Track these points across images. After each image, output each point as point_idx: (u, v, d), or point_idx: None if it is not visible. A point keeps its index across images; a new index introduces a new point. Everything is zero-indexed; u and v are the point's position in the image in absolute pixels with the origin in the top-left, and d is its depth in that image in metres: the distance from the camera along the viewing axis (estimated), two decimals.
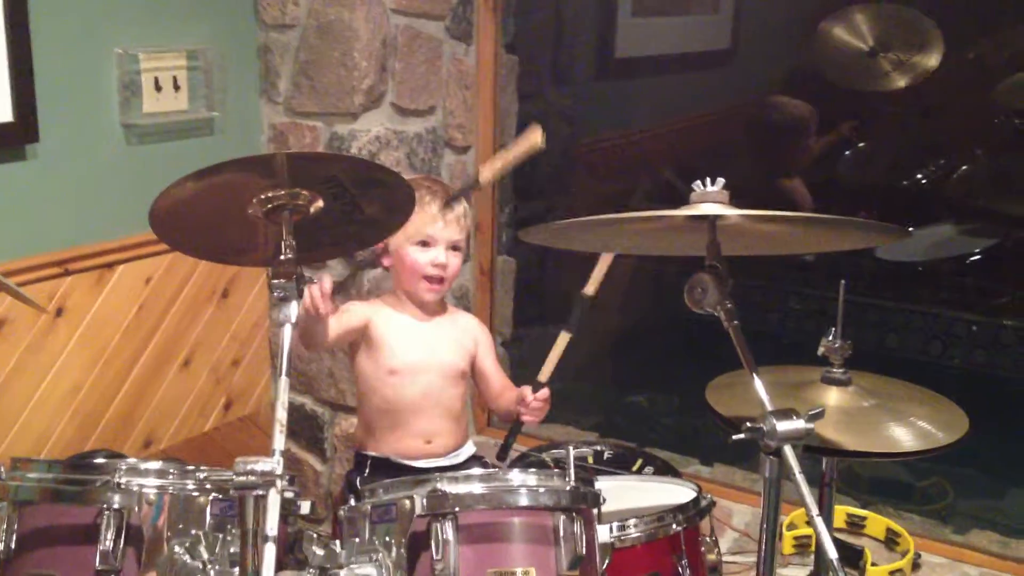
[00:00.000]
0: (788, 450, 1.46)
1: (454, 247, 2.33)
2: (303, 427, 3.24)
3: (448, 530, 1.53)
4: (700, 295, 1.57)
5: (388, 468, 2.35)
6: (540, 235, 1.64)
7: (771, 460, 1.50)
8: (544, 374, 2.37)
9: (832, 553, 1.38)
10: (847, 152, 3.80)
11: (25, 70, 2.45)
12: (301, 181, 1.46)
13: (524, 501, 1.58)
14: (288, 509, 1.70)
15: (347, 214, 1.53)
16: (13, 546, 1.58)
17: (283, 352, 1.43)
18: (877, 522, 3.00)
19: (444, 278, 2.33)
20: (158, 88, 2.78)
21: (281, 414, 1.38)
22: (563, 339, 2.38)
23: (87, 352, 2.72)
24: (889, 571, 2.76)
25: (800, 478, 1.43)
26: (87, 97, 2.65)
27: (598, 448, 2.96)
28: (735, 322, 1.54)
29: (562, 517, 1.58)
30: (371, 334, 2.33)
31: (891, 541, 2.95)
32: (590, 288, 2.32)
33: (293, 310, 1.46)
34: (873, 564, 2.79)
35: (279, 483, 1.33)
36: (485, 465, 2.46)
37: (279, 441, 1.36)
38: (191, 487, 1.58)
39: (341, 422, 3.18)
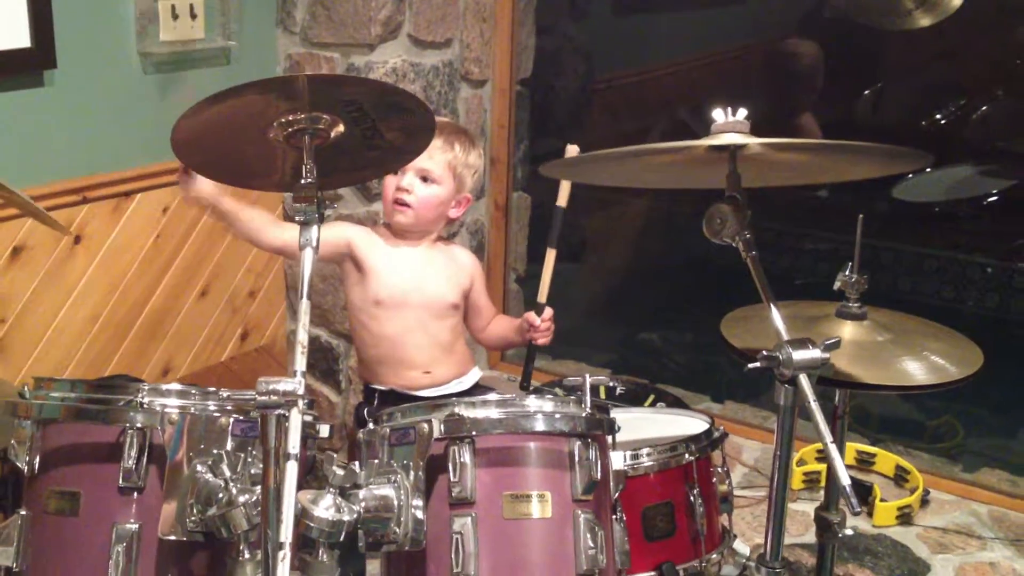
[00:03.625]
0: (803, 379, 1.47)
1: (424, 177, 2.29)
2: (318, 359, 3.27)
3: (466, 453, 1.55)
4: (719, 226, 1.58)
5: (395, 400, 2.36)
6: (560, 170, 1.64)
7: (786, 389, 1.51)
8: (542, 294, 2.40)
9: (845, 479, 1.40)
10: (865, 91, 3.76)
11: None
12: (321, 105, 1.46)
13: (540, 426, 1.60)
14: (308, 432, 1.73)
15: (367, 139, 1.53)
16: (37, 463, 1.61)
17: (304, 276, 1.44)
18: (886, 459, 3.03)
19: (409, 203, 2.30)
20: (175, 16, 2.77)
21: (302, 335, 1.39)
22: (550, 255, 2.41)
23: (105, 280, 2.74)
24: (898, 507, 2.79)
25: (815, 406, 1.44)
26: (104, 24, 2.64)
27: (610, 384, 2.98)
28: (753, 252, 1.55)
29: (577, 443, 1.60)
30: (357, 257, 2.32)
31: (900, 478, 2.98)
32: (562, 199, 2.35)
33: (314, 234, 1.46)
34: (882, 500, 2.81)
35: (300, 403, 1.34)
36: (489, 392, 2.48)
37: (300, 362, 1.37)
38: (213, 408, 1.60)
39: (355, 354, 3.20)
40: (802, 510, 2.84)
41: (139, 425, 1.56)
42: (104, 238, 2.72)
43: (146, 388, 1.60)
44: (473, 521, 1.55)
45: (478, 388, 2.48)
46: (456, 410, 1.57)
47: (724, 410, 3.36)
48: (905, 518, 2.79)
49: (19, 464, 1.61)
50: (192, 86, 2.86)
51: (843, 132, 3.59)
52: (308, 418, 1.73)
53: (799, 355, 1.48)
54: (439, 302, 2.37)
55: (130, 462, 1.55)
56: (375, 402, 2.41)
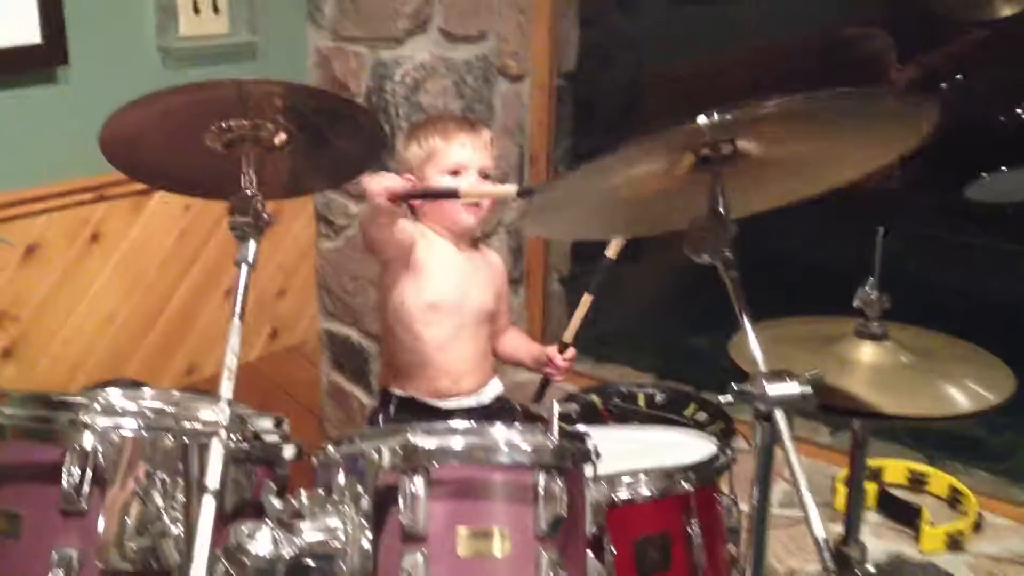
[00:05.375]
0: (779, 415, 1.33)
1: (485, 174, 2.24)
2: (349, 359, 3.20)
3: (418, 484, 1.44)
4: (699, 243, 1.44)
5: (413, 408, 2.29)
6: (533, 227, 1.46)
7: (763, 425, 1.37)
8: (569, 335, 2.33)
9: (819, 532, 1.25)
10: (942, 84, 3.53)
11: None
12: (261, 112, 1.36)
13: (501, 458, 1.48)
14: (271, 455, 1.65)
15: (316, 147, 1.43)
16: None
17: (238, 293, 1.35)
18: (940, 479, 2.84)
19: (480, 205, 2.24)
20: (196, 10, 2.71)
21: (231, 360, 1.30)
22: (586, 300, 2.32)
23: (123, 279, 2.71)
24: (947, 532, 2.60)
25: (790, 445, 1.30)
26: (120, 19, 2.60)
27: (649, 391, 2.86)
28: (733, 273, 1.41)
29: (542, 475, 1.48)
30: (415, 258, 2.22)
31: (954, 500, 2.79)
32: (611, 251, 2.26)
33: (251, 250, 1.37)
34: (931, 524, 2.63)
35: (222, 433, 1.26)
36: (509, 406, 2.38)
37: (227, 389, 1.29)
38: (159, 429, 1.52)
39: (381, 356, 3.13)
40: (840, 531, 2.67)
41: (81, 446, 1.49)
42: (122, 237, 2.69)
43: (96, 406, 1.53)
44: (424, 558, 1.44)
45: (499, 400, 2.39)
46: (410, 438, 1.46)
47: None
48: (955, 544, 2.61)
49: None
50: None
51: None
52: (273, 438, 1.65)
53: (775, 389, 1.34)
54: (482, 309, 2.31)
55: (71, 484, 1.48)
56: (391, 409, 2.33)
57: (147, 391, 1.93)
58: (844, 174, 1.55)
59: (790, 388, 1.34)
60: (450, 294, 2.26)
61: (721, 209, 1.43)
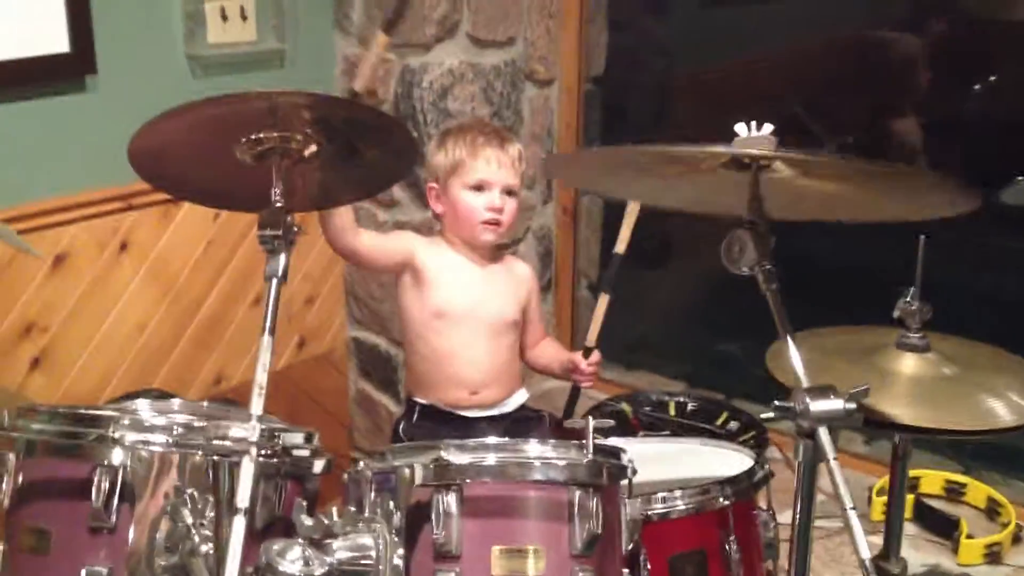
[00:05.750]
0: (823, 433, 1.29)
1: (509, 191, 2.22)
2: (377, 368, 3.18)
3: (451, 502, 1.42)
4: (737, 254, 1.41)
5: (435, 416, 2.28)
6: (562, 168, 1.48)
7: (805, 443, 1.33)
8: (591, 338, 2.31)
9: (864, 552, 1.22)
10: (976, 87, 3.47)
11: None
12: (290, 124, 1.34)
13: (535, 474, 1.45)
14: (301, 470, 1.63)
15: (345, 159, 1.41)
16: (15, 497, 1.54)
17: (269, 307, 1.33)
18: (978, 490, 2.78)
19: (501, 221, 2.22)
20: (224, 18, 2.69)
21: (261, 376, 1.28)
22: (603, 300, 2.32)
23: (153, 289, 2.70)
24: (986, 544, 2.55)
25: (835, 465, 1.27)
26: (148, 27, 2.58)
27: (681, 400, 2.82)
28: (774, 286, 1.37)
29: (578, 492, 1.45)
30: (418, 268, 2.24)
31: (992, 511, 2.73)
32: (620, 246, 2.26)
33: (281, 263, 1.35)
34: (969, 536, 2.58)
35: (253, 451, 1.23)
36: (539, 415, 2.35)
37: (257, 406, 1.26)
38: (189, 446, 1.50)
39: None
40: (879, 543, 2.63)
41: (110, 462, 1.47)
42: (151, 246, 2.68)
43: (125, 421, 1.51)
44: None
45: (523, 410, 2.36)
46: (443, 454, 1.44)
47: None
48: (994, 557, 2.55)
49: None
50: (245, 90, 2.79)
51: (944, 132, 3.35)
52: (304, 452, 1.63)
53: (818, 406, 1.30)
54: (500, 319, 2.28)
55: (99, 501, 1.46)
56: (414, 417, 2.31)
57: (176, 403, 1.93)
58: (874, 216, 1.52)
59: (834, 404, 1.30)
60: (457, 303, 2.24)
61: (759, 220, 1.39)
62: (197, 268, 2.79)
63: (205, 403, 1.95)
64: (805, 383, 1.32)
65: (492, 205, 2.19)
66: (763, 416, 1.35)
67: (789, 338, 1.33)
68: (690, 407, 2.79)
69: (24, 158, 2.41)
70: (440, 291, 2.24)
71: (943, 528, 2.65)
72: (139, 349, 2.70)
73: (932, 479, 2.81)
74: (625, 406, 2.80)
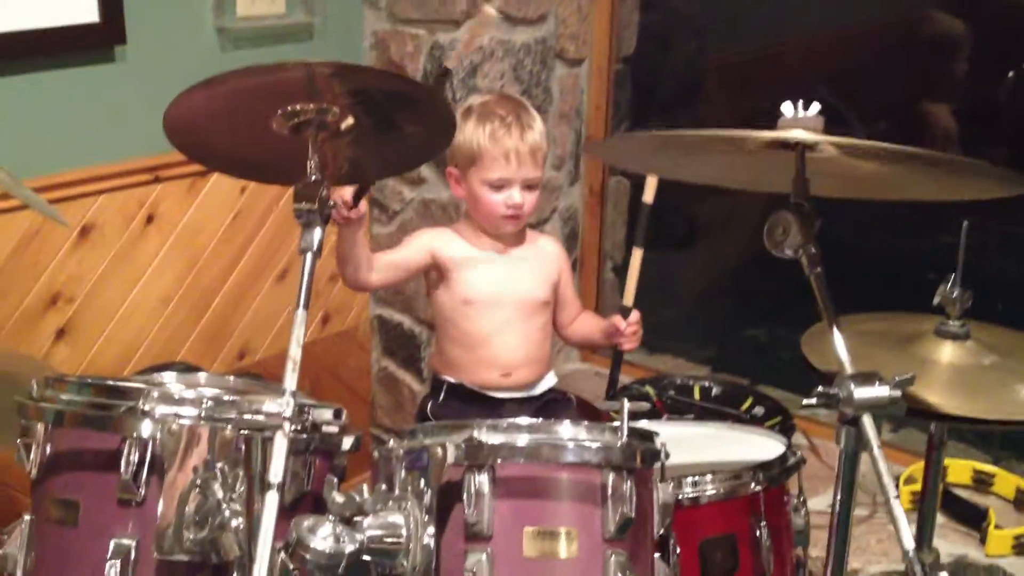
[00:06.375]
0: (867, 420, 1.26)
1: (529, 185, 2.16)
2: (400, 346, 3.16)
3: (483, 482, 1.40)
4: (781, 236, 1.38)
5: (463, 395, 2.26)
6: (604, 151, 1.45)
7: (847, 430, 1.31)
8: (628, 297, 2.28)
9: (908, 543, 1.19)
10: (1010, 73, 3.41)
11: None
12: (327, 95, 1.32)
13: (569, 456, 1.43)
14: (330, 446, 1.61)
15: (382, 133, 1.38)
16: (43, 467, 1.53)
17: (304, 281, 1.31)
18: (1006, 480, 2.75)
19: (521, 215, 2.19)
20: None
21: (295, 351, 1.26)
22: (636, 255, 2.29)
23: (179, 261, 2.69)
24: (1015, 535, 2.52)
25: (879, 454, 1.24)
26: None
27: (706, 384, 2.80)
28: (818, 269, 1.35)
29: (611, 475, 1.43)
30: (441, 263, 2.21)
31: (1020, 501, 2.70)
32: (648, 196, 2.23)
33: (316, 237, 1.33)
34: (997, 527, 2.55)
35: (286, 426, 1.22)
36: (567, 398, 2.33)
37: (291, 381, 1.25)
38: (220, 419, 1.49)
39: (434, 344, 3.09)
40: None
41: (140, 434, 1.46)
42: (178, 218, 2.66)
43: (155, 394, 1.49)
44: (489, 558, 1.40)
45: (552, 392, 2.33)
46: (475, 434, 1.42)
47: (831, 416, 3.10)
48: (1022, 548, 2.52)
49: (25, 467, 1.53)
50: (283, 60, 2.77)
51: (975, 118, 3.29)
52: (332, 429, 1.62)
53: (862, 392, 1.28)
54: (530, 300, 2.25)
55: (128, 473, 1.45)
56: (441, 396, 2.29)
57: (203, 376, 1.92)
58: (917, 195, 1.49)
59: (879, 391, 1.27)
60: (485, 289, 2.21)
61: (805, 202, 1.36)
62: (223, 242, 2.77)
63: (232, 377, 1.93)
64: (849, 369, 1.29)
65: (511, 202, 2.14)
66: (805, 402, 1.33)
67: (834, 323, 1.29)
68: (715, 391, 2.77)
69: (52, 128, 2.40)
70: (467, 280, 2.21)
71: (971, 518, 2.62)
72: (164, 322, 2.69)
73: (960, 468, 2.78)
74: (649, 389, 2.78)
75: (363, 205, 1.95)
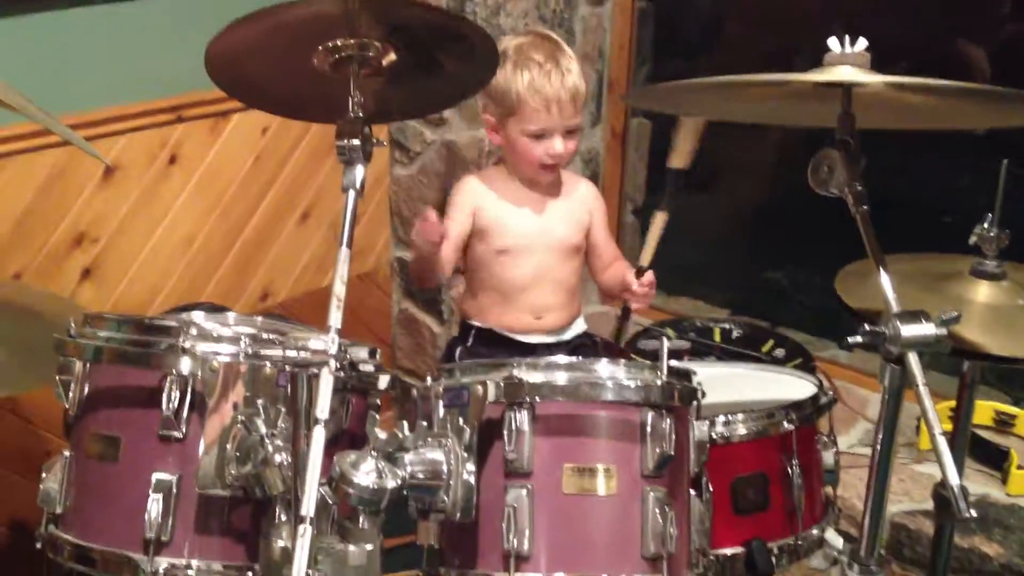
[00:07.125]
0: (912, 358, 1.26)
1: (570, 131, 2.13)
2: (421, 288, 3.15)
3: (523, 420, 1.41)
4: (826, 174, 1.37)
5: (492, 339, 2.25)
6: (649, 99, 1.45)
7: (892, 368, 1.31)
8: (645, 258, 2.21)
9: (954, 479, 1.20)
10: None
11: None
12: (370, 30, 1.30)
13: (608, 395, 1.43)
14: (367, 385, 1.62)
15: (424, 69, 1.37)
16: (82, 403, 1.54)
17: (346, 220, 1.30)
18: None
19: (558, 164, 2.17)
20: None
21: (339, 288, 1.27)
22: (659, 219, 2.21)
23: (201, 202, 2.68)
24: None
25: (924, 391, 1.24)
26: None
27: (726, 326, 2.79)
28: (864, 207, 1.34)
29: (650, 414, 1.43)
30: (480, 220, 2.19)
31: None
32: (677, 160, 2.12)
33: (359, 174, 1.32)
34: (1019, 467, 2.56)
35: (332, 363, 1.22)
36: (594, 342, 2.33)
37: (336, 318, 1.25)
38: (263, 356, 1.49)
39: (459, 285, 3.08)
40: (928, 472, 2.62)
41: (180, 371, 1.46)
42: (200, 159, 2.66)
43: (193, 331, 1.50)
44: (529, 494, 1.41)
45: (582, 337, 2.33)
46: (515, 372, 1.42)
47: (852, 359, 3.12)
48: None
49: (64, 403, 1.54)
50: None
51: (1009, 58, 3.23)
52: (369, 367, 1.62)
53: (909, 330, 1.27)
54: (565, 244, 2.23)
55: (170, 410, 1.45)
56: (470, 340, 2.29)
57: (231, 316, 1.92)
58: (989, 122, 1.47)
59: (925, 330, 1.27)
60: (520, 238, 2.20)
61: (850, 139, 1.35)
62: (245, 182, 2.77)
63: (259, 318, 1.93)
64: (895, 308, 1.29)
65: (553, 151, 2.11)
66: (849, 339, 1.32)
67: (880, 261, 1.29)
68: (735, 333, 2.76)
69: (76, 67, 2.38)
70: (502, 231, 2.19)
71: (993, 459, 2.63)
72: (188, 263, 2.69)
73: (982, 409, 2.78)
74: (670, 332, 2.77)
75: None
